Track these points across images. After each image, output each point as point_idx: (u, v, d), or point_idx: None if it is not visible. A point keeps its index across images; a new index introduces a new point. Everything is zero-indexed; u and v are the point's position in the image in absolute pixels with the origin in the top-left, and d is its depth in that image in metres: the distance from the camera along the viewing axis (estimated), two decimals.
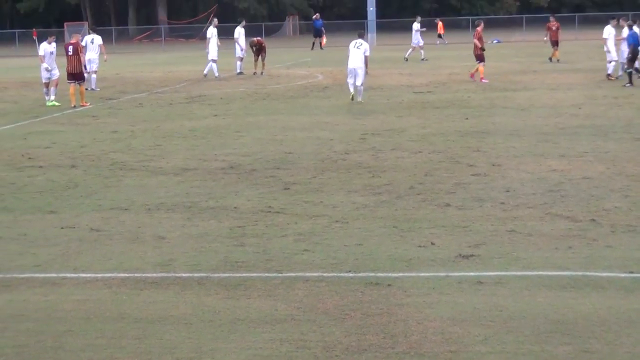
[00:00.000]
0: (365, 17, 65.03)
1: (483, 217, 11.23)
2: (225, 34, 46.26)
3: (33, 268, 9.58)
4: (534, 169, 14.42)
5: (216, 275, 9.10)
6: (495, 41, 58.92)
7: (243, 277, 9.00)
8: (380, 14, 69.03)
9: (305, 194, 12.98)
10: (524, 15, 71.79)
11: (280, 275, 9.02)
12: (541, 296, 8.17)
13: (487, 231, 10.54)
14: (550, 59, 39.15)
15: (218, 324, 7.70)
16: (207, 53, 35.55)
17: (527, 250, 9.71)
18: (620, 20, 31.20)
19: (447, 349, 7.00)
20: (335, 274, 9.00)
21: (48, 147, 18.46)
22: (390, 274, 8.94)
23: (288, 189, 13.43)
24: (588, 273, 8.83)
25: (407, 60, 43.51)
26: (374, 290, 8.47)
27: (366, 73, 25.31)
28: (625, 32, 28.95)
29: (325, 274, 9.00)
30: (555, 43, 39.31)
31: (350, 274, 8.98)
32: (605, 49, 30.67)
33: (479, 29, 30.79)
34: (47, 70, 26.29)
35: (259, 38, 38.70)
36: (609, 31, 30.63)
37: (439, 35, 58.91)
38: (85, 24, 70.64)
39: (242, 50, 36.91)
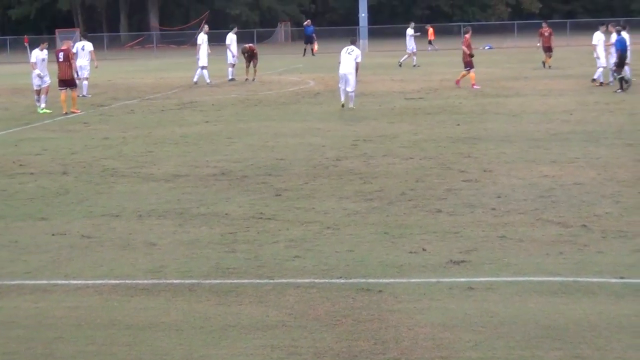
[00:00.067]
0: (357, 24, 65.09)
1: (474, 223, 11.24)
2: (217, 41, 46.21)
3: (24, 275, 9.57)
4: (525, 174, 14.45)
5: (207, 281, 9.10)
6: (487, 47, 59.07)
7: (234, 283, 9.00)
8: (372, 20, 69.08)
9: (297, 200, 12.99)
10: (515, 22, 71.85)
11: (271, 281, 9.03)
12: (532, 302, 8.19)
13: (478, 237, 10.56)
14: (544, 64, 39.23)
15: (209, 330, 7.70)
16: (198, 60, 35.51)
17: (518, 256, 9.72)
18: (609, 26, 31.25)
19: (438, 355, 7.01)
20: (327, 280, 9.01)
21: (39, 153, 18.43)
22: (381, 280, 8.95)
23: (279, 195, 13.43)
24: (579, 279, 8.85)
25: (400, 65, 43.55)
26: (365, 296, 8.48)
27: (357, 79, 25.35)
28: (614, 37, 28.99)
29: (316, 280, 9.01)
30: (547, 49, 39.37)
31: (342, 280, 8.99)
32: (595, 55, 30.76)
33: (467, 36, 30.93)
34: (39, 77, 26.24)
35: (250, 44, 38.69)
36: (598, 37, 30.66)
37: (429, 42, 59.00)
38: (77, 31, 70.51)
39: (234, 56, 36.91)
